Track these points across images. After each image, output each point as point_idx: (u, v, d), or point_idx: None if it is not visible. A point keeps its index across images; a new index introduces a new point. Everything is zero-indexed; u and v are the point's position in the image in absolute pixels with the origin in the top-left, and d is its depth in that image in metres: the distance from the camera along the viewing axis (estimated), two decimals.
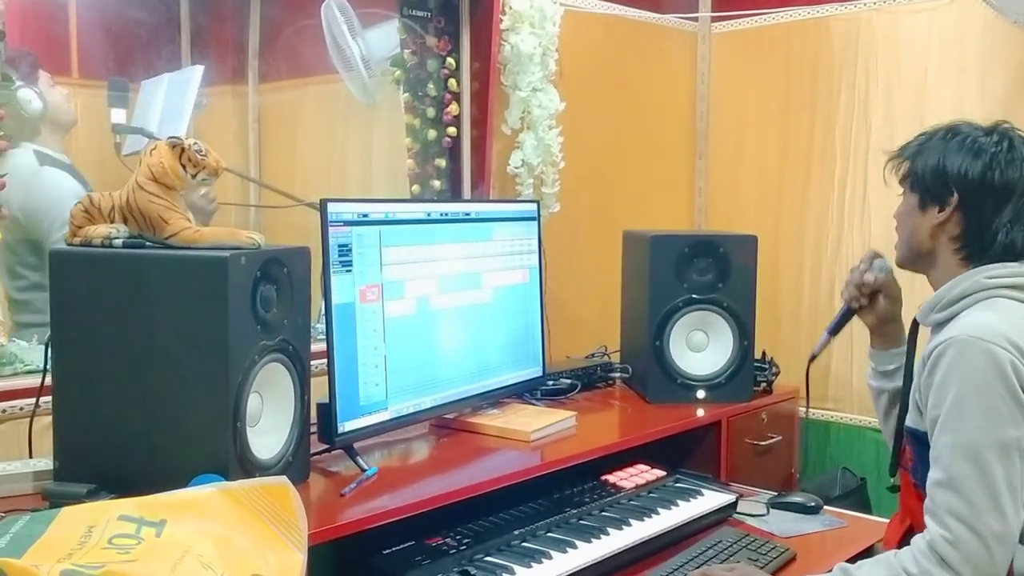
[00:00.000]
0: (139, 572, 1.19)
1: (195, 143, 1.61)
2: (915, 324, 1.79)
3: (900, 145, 1.76)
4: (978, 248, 1.64)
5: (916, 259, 1.73)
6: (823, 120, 3.09)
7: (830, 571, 1.61)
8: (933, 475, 1.54)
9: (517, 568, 1.65)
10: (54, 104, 2.21)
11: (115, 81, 2.34)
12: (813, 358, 2.06)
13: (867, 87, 2.98)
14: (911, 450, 1.70)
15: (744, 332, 2.41)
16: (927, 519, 1.53)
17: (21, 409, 1.79)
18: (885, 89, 2.95)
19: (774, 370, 2.59)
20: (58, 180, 2.20)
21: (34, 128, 2.19)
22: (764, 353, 2.56)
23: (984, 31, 2.73)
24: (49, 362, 1.62)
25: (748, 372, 2.43)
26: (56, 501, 1.46)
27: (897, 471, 1.81)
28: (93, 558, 1.21)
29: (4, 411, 1.79)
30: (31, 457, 1.72)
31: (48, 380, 1.63)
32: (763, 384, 2.53)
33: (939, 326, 1.64)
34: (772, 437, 2.50)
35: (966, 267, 1.65)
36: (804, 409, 2.29)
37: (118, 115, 2.29)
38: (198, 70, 2.50)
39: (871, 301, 1.88)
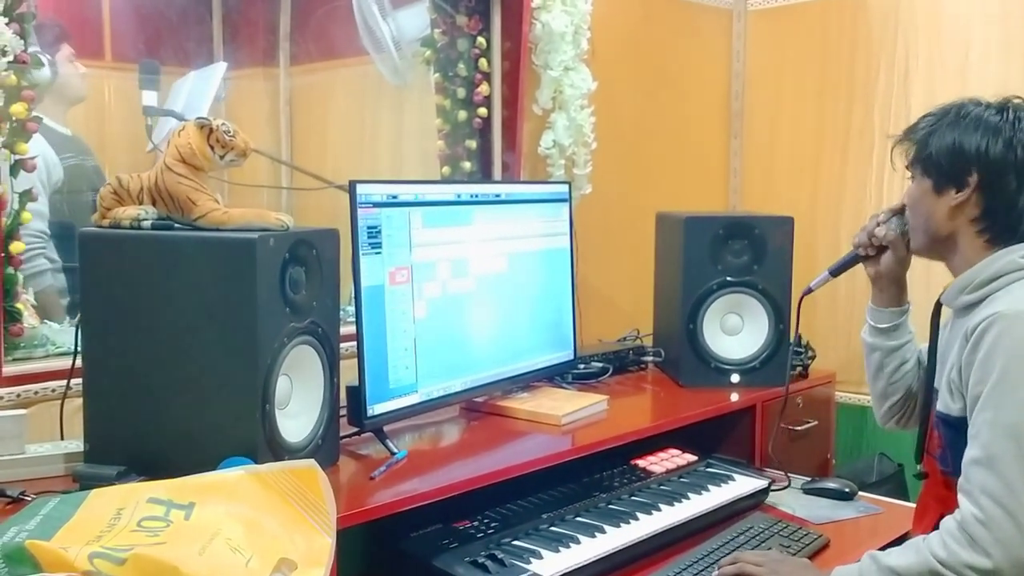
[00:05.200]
0: (168, 555, 1.19)
1: (223, 124, 1.61)
2: (938, 306, 1.75)
3: (905, 128, 1.72)
4: (1003, 228, 1.60)
5: (934, 244, 1.68)
6: (861, 99, 3.03)
7: (860, 560, 1.58)
8: (970, 452, 1.50)
9: (545, 552, 1.64)
10: (64, 76, 2.21)
11: (146, 64, 2.35)
12: (808, 291, 2.01)
13: (907, 65, 2.92)
14: (941, 436, 1.66)
15: (779, 315, 2.38)
16: (960, 497, 1.50)
17: (53, 391, 1.80)
18: (926, 67, 2.88)
19: (810, 354, 2.55)
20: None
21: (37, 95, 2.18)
22: (800, 336, 2.52)
23: None
24: (79, 344, 1.63)
25: (783, 356, 2.40)
26: (86, 483, 1.47)
27: (922, 458, 1.78)
28: (122, 540, 1.21)
29: (36, 393, 1.79)
30: (62, 439, 1.73)
31: (79, 362, 1.64)
32: (799, 368, 2.49)
33: (968, 308, 1.60)
34: (808, 422, 2.46)
35: (990, 249, 1.61)
36: (793, 342, 2.22)
37: (149, 97, 2.29)
38: (221, 66, 2.50)
39: (878, 254, 1.84)
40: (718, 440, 2.29)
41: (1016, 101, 1.62)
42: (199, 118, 1.61)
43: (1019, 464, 1.44)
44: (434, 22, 2.61)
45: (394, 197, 1.88)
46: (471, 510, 1.75)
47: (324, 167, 2.65)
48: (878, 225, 1.82)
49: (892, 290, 1.85)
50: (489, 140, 2.66)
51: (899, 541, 1.86)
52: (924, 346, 1.85)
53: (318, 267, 1.62)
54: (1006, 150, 1.57)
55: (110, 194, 1.62)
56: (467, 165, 2.65)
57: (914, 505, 2.06)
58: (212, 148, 1.59)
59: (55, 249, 2.17)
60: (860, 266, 1.93)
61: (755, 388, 2.36)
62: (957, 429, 1.56)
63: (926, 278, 2.17)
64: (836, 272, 1.96)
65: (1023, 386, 1.46)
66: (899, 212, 1.81)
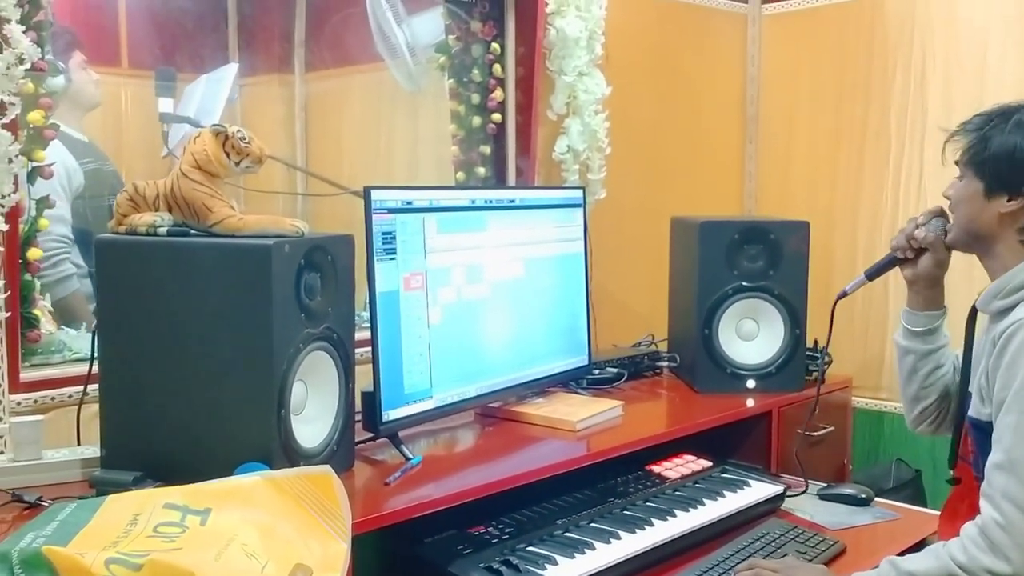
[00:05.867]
0: (184, 560, 1.19)
1: (239, 130, 1.61)
2: (973, 312, 1.74)
3: (960, 123, 1.69)
4: None
5: (973, 243, 1.69)
6: (877, 102, 3.02)
7: (878, 566, 1.57)
8: (993, 457, 1.50)
9: (559, 558, 1.63)
10: (77, 83, 2.22)
11: (162, 71, 2.36)
12: (843, 295, 1.99)
13: (924, 68, 2.91)
14: (973, 441, 1.65)
15: (796, 320, 2.37)
16: (982, 502, 1.50)
17: (69, 397, 1.80)
18: (943, 70, 2.87)
19: (826, 359, 2.53)
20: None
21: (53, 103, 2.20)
22: (816, 342, 2.51)
23: None
24: (96, 350, 1.63)
25: (800, 361, 2.39)
26: (102, 489, 1.48)
27: (955, 463, 1.77)
28: (138, 546, 1.22)
29: (53, 399, 1.80)
30: (79, 445, 1.74)
31: (95, 368, 1.65)
32: (815, 373, 2.48)
33: (1001, 313, 1.59)
34: (824, 427, 2.45)
35: None
36: (823, 347, 2.19)
37: (165, 104, 2.31)
38: (233, 68, 2.51)
39: (916, 256, 1.83)
40: (734, 445, 2.28)
41: None
42: (215, 125, 1.62)
43: None
44: (448, 28, 2.62)
45: (409, 203, 1.88)
46: (486, 516, 1.74)
47: (339, 173, 2.65)
48: (917, 227, 1.81)
49: (929, 293, 1.84)
50: (503, 146, 2.67)
51: (917, 547, 1.85)
52: (959, 351, 1.84)
53: (333, 273, 1.62)
54: None
55: (126, 201, 1.63)
56: (481, 171, 2.65)
57: (932, 511, 2.06)
58: (228, 155, 1.60)
59: (80, 254, 2.18)
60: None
61: (771, 393, 2.35)
62: (987, 434, 1.56)
63: (968, 283, 2.15)
64: (872, 275, 1.94)
65: None
66: (939, 214, 1.79)
